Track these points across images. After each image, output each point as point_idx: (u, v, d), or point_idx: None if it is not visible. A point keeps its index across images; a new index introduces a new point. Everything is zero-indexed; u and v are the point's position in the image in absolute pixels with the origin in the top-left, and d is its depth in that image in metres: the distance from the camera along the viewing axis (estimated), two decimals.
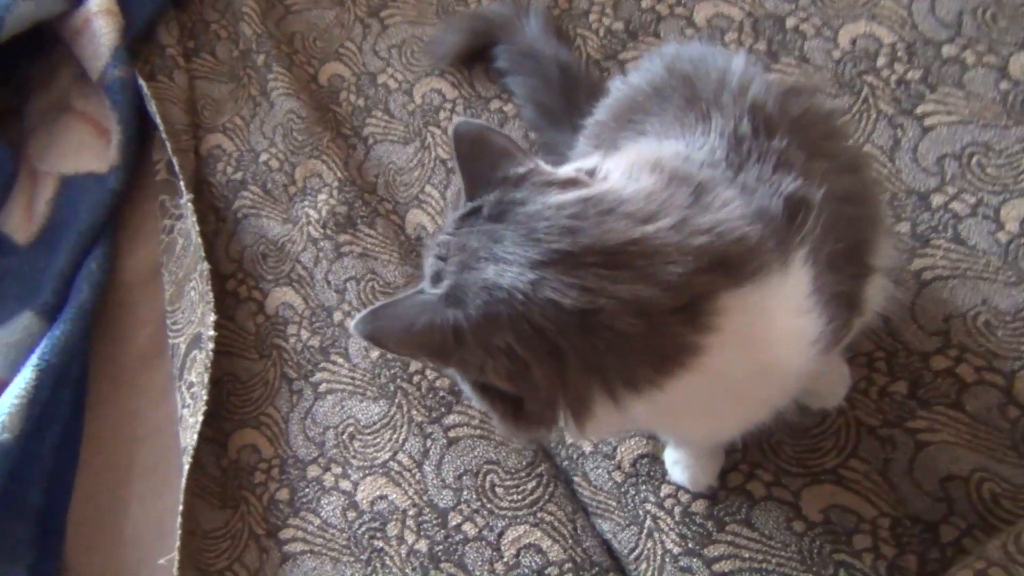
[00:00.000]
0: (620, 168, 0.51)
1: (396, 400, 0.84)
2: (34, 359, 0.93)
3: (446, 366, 0.51)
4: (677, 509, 0.73)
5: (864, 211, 0.59)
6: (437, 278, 0.50)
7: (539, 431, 0.51)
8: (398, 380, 0.84)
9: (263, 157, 1.01)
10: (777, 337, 0.49)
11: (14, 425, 0.89)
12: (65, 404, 0.95)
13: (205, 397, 0.85)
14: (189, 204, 0.95)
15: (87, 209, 1.01)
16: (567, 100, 0.89)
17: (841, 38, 0.87)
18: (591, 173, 0.51)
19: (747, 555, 0.69)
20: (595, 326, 0.46)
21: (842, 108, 0.84)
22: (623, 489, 0.75)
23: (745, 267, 0.47)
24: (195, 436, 0.83)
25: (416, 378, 0.84)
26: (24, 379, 0.91)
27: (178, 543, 0.79)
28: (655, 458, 0.75)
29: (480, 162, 0.51)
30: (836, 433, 0.72)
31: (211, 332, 0.87)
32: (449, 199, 0.92)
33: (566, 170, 0.51)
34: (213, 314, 0.88)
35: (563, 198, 0.48)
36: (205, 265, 0.91)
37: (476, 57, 0.98)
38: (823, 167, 0.54)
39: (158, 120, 1.00)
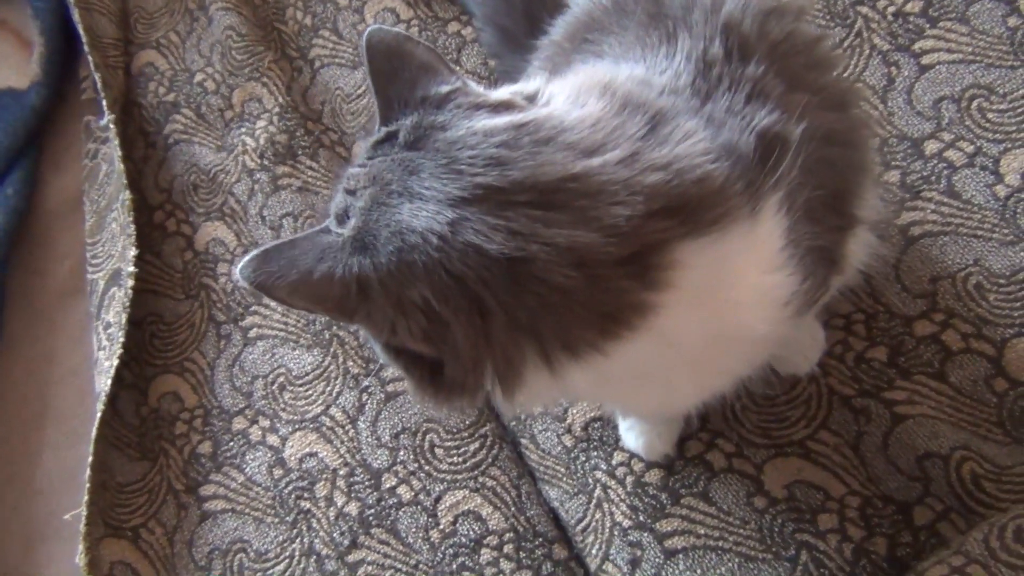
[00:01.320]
0: (565, 92, 0.43)
1: (331, 350, 0.76)
2: None
3: (350, 323, 0.43)
4: (629, 479, 0.66)
5: (850, 155, 0.52)
6: (344, 217, 0.41)
7: (461, 400, 0.43)
8: (334, 327, 0.77)
9: (198, 78, 0.92)
10: (742, 297, 0.42)
11: None
12: None
13: (122, 339, 0.77)
14: (112, 126, 0.86)
15: (4, 128, 0.92)
16: (529, 22, 0.80)
17: None
18: (531, 97, 0.43)
19: (702, 531, 0.63)
20: (525, 277, 0.38)
21: (830, 38, 0.76)
22: (573, 455, 0.68)
23: (706, 213, 0.39)
24: (108, 381, 0.76)
25: (352, 327, 0.77)
26: None
27: (86, 497, 0.73)
28: (608, 422, 0.69)
29: (397, 79, 0.43)
30: (806, 402, 0.65)
31: (131, 268, 0.79)
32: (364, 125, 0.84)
33: (500, 92, 0.43)
34: (134, 248, 0.80)
35: (493, 123, 0.40)
36: (127, 194, 0.82)
37: None
38: (805, 101, 0.46)
39: (81, 31, 0.90)
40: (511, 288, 0.38)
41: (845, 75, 0.74)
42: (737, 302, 0.42)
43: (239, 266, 0.41)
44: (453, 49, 0.87)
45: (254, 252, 0.41)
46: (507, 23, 0.81)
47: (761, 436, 0.65)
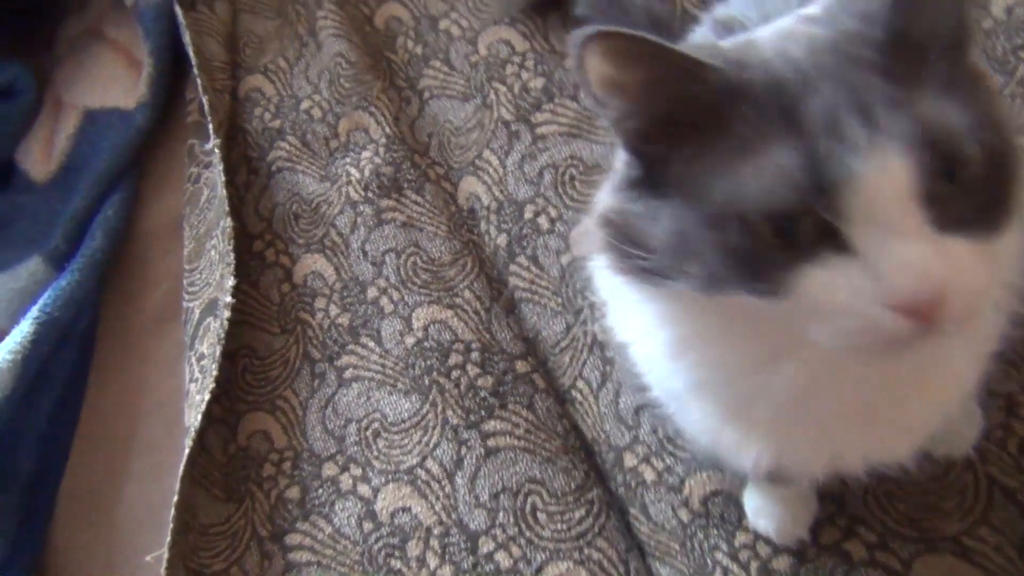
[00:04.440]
0: None
1: (430, 396, 0.72)
2: (35, 311, 0.83)
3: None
4: (754, 564, 0.60)
5: None
6: None
7: None
8: (434, 373, 0.72)
9: (305, 105, 0.90)
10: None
11: (5, 383, 0.79)
12: (67, 364, 0.85)
13: (215, 372, 0.74)
14: (217, 150, 0.84)
15: (109, 148, 0.91)
16: None
17: None
18: None
19: None
20: None
21: None
22: (689, 531, 0.62)
23: None
24: (199, 416, 0.73)
25: (455, 373, 0.72)
26: (22, 332, 0.81)
27: (169, 538, 0.69)
28: (731, 498, 0.62)
29: None
30: (961, 492, 0.58)
31: (228, 298, 0.76)
32: (512, 167, 0.80)
33: None
34: (232, 278, 0.77)
35: None
36: (229, 221, 0.80)
37: (551, 4, 0.85)
38: None
39: (192, 53, 0.89)
40: None
41: None
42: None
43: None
44: (570, 85, 0.82)
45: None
46: None
47: (909, 527, 0.58)
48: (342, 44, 0.89)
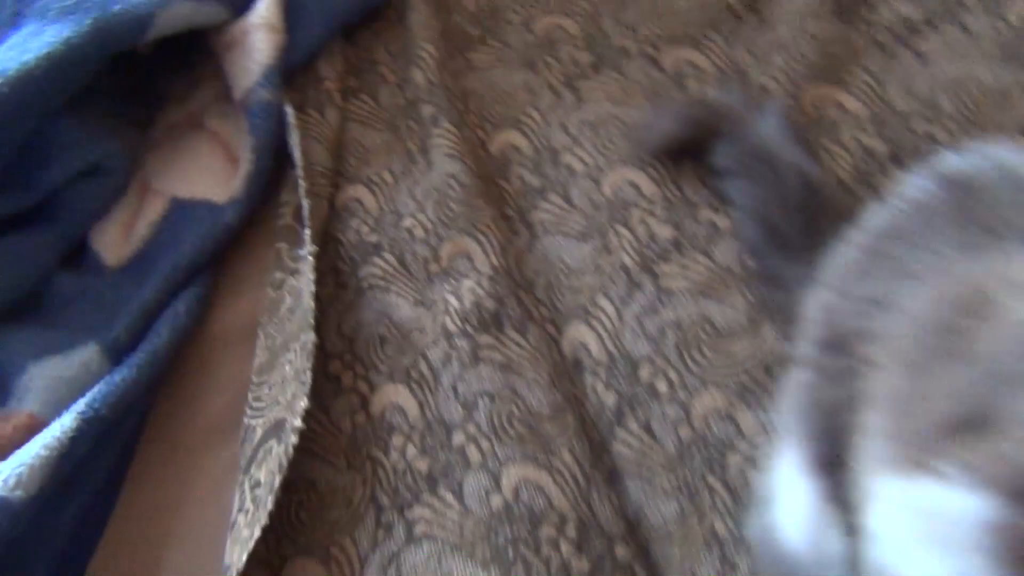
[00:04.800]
0: None
1: (513, 573, 0.62)
2: (81, 404, 0.75)
3: None
4: None
5: None
6: None
7: None
8: (521, 546, 0.62)
9: (407, 222, 0.83)
10: None
11: (32, 482, 0.70)
12: (103, 469, 0.76)
13: (270, 506, 0.64)
14: (310, 258, 0.77)
15: (192, 241, 0.85)
16: (806, 223, 0.69)
17: None
18: None
19: None
20: None
21: None
22: None
23: None
24: (244, 557, 0.63)
25: (546, 550, 0.62)
26: (62, 427, 0.73)
27: None
28: None
29: None
30: None
31: (297, 422, 0.68)
32: (630, 319, 0.72)
33: None
34: (306, 400, 0.69)
35: None
36: (311, 336, 0.72)
37: (687, 152, 0.79)
38: None
39: (297, 155, 0.84)
40: None
41: None
42: None
43: None
44: (702, 239, 0.75)
45: None
46: (777, 218, 0.70)
47: None
48: (455, 165, 0.84)
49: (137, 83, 1.00)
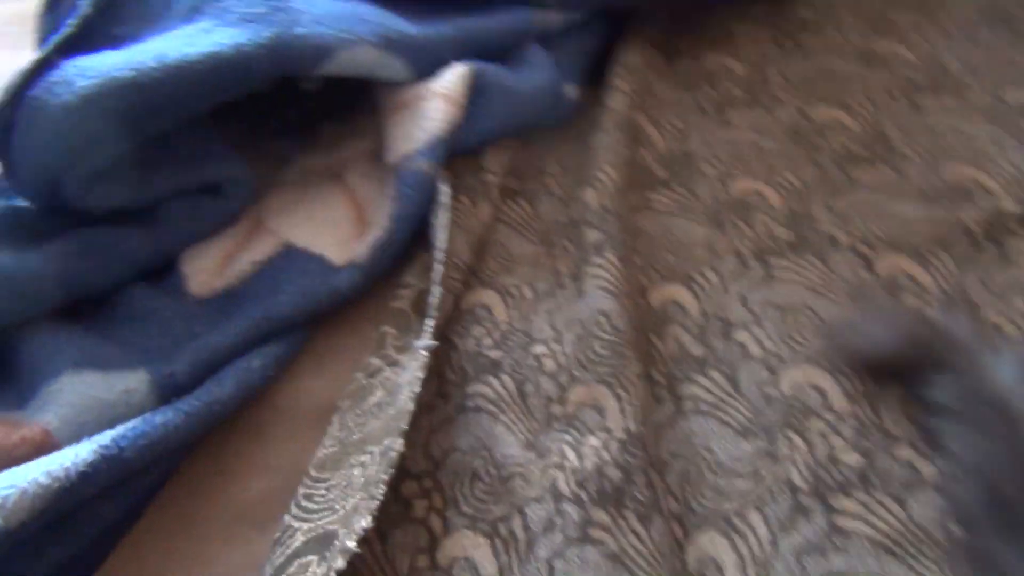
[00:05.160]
0: None
1: None
2: (106, 437, 0.62)
3: None
4: None
5: None
6: None
7: None
8: None
9: (538, 349, 0.71)
10: None
11: (16, 512, 0.56)
12: (100, 522, 0.62)
13: None
14: (424, 354, 0.65)
15: (293, 294, 0.74)
16: None
17: None
18: None
19: None
20: None
21: None
22: None
23: None
24: None
25: None
26: (75, 457, 0.60)
27: None
28: None
29: None
30: None
31: (351, 543, 0.53)
32: (787, 551, 0.57)
33: None
34: (369, 518, 0.55)
35: None
36: (398, 443, 0.59)
37: (895, 372, 0.66)
38: None
39: (442, 237, 0.73)
40: None
41: None
42: None
43: None
44: (897, 482, 0.60)
45: None
46: (1005, 486, 0.55)
47: None
48: (610, 303, 0.72)
49: (284, 117, 0.92)
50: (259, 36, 0.75)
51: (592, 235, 0.78)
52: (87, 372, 0.69)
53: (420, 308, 0.74)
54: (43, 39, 0.85)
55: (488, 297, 0.76)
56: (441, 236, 0.73)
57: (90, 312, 0.77)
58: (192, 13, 0.81)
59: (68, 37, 0.77)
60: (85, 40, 0.78)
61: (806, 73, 0.95)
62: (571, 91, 0.93)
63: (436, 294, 0.68)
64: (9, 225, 0.76)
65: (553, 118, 0.91)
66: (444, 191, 0.77)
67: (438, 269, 0.70)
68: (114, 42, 0.79)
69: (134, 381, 0.69)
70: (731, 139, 0.90)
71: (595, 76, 0.98)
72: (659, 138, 0.91)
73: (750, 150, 0.88)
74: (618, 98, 0.90)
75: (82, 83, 0.71)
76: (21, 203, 0.81)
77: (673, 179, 0.86)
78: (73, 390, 0.68)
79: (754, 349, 0.70)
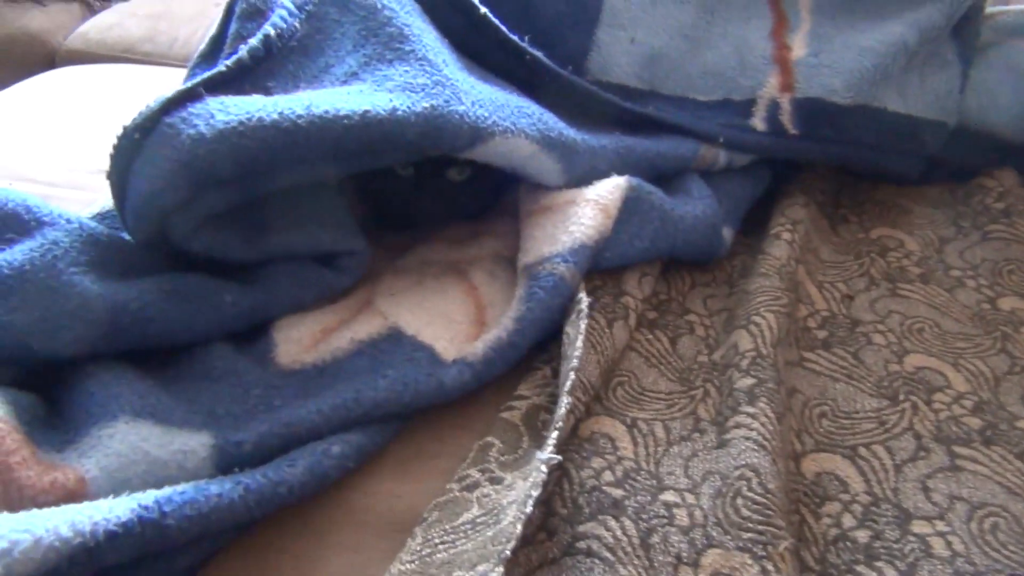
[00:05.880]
0: None
1: None
2: (148, 497, 0.52)
3: None
4: None
5: None
6: None
7: None
8: None
9: (669, 497, 0.58)
10: None
11: (22, 564, 0.46)
12: None
13: None
14: (542, 472, 0.53)
15: (392, 382, 0.64)
16: None
17: None
18: None
19: None
20: None
21: None
22: None
23: None
24: None
25: None
26: (108, 512, 0.50)
27: None
28: None
29: None
30: None
31: None
32: None
33: None
34: None
35: None
36: (499, 572, 0.46)
37: None
38: None
39: (578, 348, 0.63)
40: None
41: None
42: None
43: None
44: None
45: None
46: None
47: None
48: (761, 459, 0.60)
49: (418, 205, 0.85)
50: (415, 104, 0.70)
51: (743, 381, 0.67)
52: (144, 423, 0.60)
53: (532, 425, 0.64)
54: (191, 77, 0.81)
55: (613, 427, 0.64)
56: (579, 345, 0.63)
57: (163, 361, 0.68)
58: (350, 78, 0.76)
59: (219, 74, 0.73)
60: (235, 84, 0.74)
61: (992, 261, 0.84)
62: (727, 232, 0.84)
63: (565, 405, 0.57)
64: (105, 255, 0.70)
65: (705, 254, 0.82)
66: (584, 300, 0.68)
67: (570, 377, 0.60)
68: (265, 93, 0.74)
69: (194, 442, 0.59)
70: (904, 312, 0.79)
71: (749, 224, 0.89)
72: (820, 297, 0.81)
73: (927, 327, 0.77)
74: (782, 248, 0.81)
75: (222, 117, 0.66)
76: (126, 236, 0.75)
77: (835, 342, 0.75)
78: (124, 439, 0.58)
79: (941, 550, 0.56)
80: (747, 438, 0.61)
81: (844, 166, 0.95)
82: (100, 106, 1.21)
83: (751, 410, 0.64)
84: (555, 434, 0.55)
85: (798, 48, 0.92)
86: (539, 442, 0.62)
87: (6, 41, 1.71)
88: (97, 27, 1.79)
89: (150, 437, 0.59)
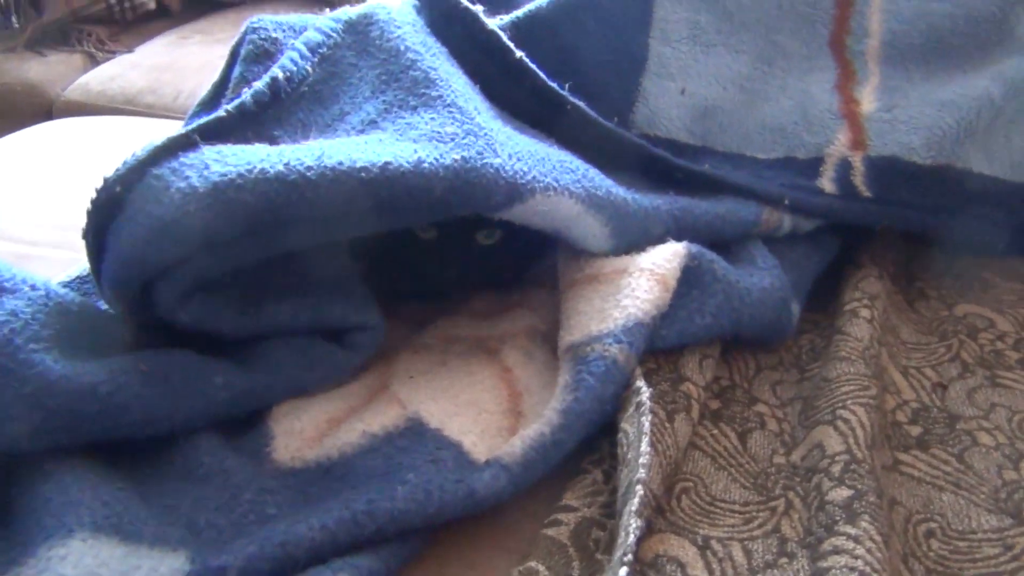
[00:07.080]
0: None
1: None
2: None
3: None
4: None
5: None
6: None
7: None
8: None
9: None
10: None
11: None
12: None
13: None
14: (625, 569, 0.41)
15: (412, 488, 0.52)
16: None
17: None
18: None
19: None
20: None
21: None
22: None
23: None
24: None
25: None
26: None
27: None
28: None
29: None
30: None
31: None
32: None
33: None
34: None
35: None
36: None
37: None
38: None
39: (643, 465, 0.51)
40: None
41: None
42: None
43: None
44: None
45: None
46: None
47: None
48: None
49: (440, 275, 0.75)
50: (443, 156, 0.59)
51: (837, 493, 0.55)
52: (106, 541, 0.49)
53: (583, 545, 0.52)
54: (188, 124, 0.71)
55: (682, 550, 0.52)
56: (644, 451, 0.51)
57: (137, 457, 0.57)
58: (368, 126, 0.66)
59: (217, 120, 0.63)
60: (237, 131, 0.64)
61: None
62: (795, 307, 0.73)
63: (633, 529, 0.46)
64: (74, 328, 0.59)
65: (773, 332, 0.71)
66: (644, 390, 0.57)
67: (637, 493, 0.48)
68: (270, 142, 0.64)
69: (166, 567, 0.48)
70: (1010, 406, 0.67)
71: (812, 299, 0.78)
72: (906, 386, 0.69)
73: None
74: (862, 327, 0.70)
75: (218, 168, 0.56)
76: (102, 304, 0.65)
77: (933, 441, 0.64)
78: (78, 563, 0.47)
79: None
80: (851, 568, 0.49)
81: (919, 233, 0.84)
82: (94, 159, 1.12)
83: (852, 531, 0.52)
84: (624, 571, 0.43)
85: (867, 102, 0.82)
86: (592, 568, 0.50)
87: (2, 91, 1.64)
88: (98, 78, 1.72)
89: (110, 560, 0.47)
